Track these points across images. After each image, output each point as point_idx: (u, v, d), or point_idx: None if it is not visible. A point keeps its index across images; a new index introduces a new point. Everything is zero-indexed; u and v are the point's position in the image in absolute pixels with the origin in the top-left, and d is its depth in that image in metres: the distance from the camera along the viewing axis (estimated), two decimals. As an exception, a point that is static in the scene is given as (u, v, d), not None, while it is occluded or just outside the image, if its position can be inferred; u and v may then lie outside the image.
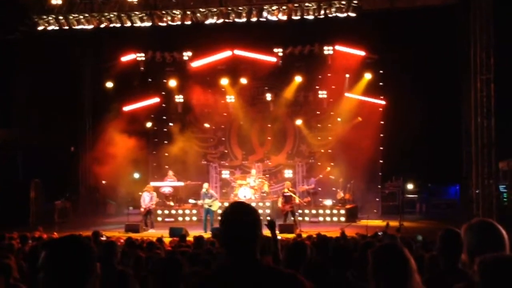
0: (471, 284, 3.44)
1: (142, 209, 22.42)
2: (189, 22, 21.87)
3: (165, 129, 28.47)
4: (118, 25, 22.09)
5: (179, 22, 21.86)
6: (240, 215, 3.33)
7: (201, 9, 21.58)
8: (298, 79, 26.70)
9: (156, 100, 27.97)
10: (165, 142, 28.18)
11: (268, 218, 8.26)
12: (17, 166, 27.06)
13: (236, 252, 3.26)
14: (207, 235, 17.65)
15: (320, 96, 26.75)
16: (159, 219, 24.33)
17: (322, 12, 20.99)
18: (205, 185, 22.63)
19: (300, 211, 23.01)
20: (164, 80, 27.97)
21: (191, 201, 23.11)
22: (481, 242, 3.46)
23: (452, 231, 5.01)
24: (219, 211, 23.71)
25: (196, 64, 26.27)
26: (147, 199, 22.25)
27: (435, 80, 24.10)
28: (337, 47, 25.11)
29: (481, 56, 20.81)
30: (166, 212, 24.95)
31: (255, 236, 3.29)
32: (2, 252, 7.91)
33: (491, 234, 3.52)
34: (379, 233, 14.61)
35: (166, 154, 27.84)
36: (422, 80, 24.15)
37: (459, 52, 23.28)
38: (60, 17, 21.92)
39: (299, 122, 27.46)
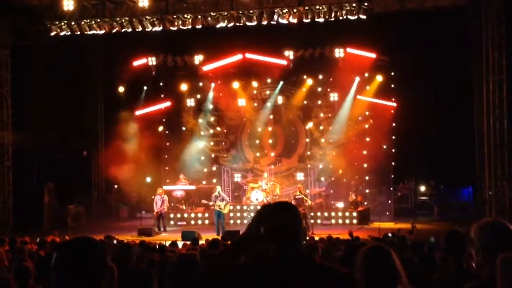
0: (482, 283, 3.47)
1: (154, 213, 22.52)
2: (200, 26, 21.91)
3: (177, 133, 28.56)
4: (130, 29, 22.18)
5: (190, 26, 21.92)
6: (287, 209, 3.40)
7: (212, 13, 21.64)
8: (309, 82, 26.72)
9: (167, 104, 28.07)
10: (177, 145, 28.26)
11: None
12: (31, 170, 27.22)
13: (286, 245, 3.27)
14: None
15: (331, 98, 26.74)
16: (172, 222, 24.39)
17: (333, 14, 20.97)
18: (218, 188, 22.68)
19: (312, 213, 22.99)
20: (176, 84, 28.08)
21: (204, 201, 23.16)
22: (496, 241, 3.47)
23: (457, 232, 5.07)
24: (231, 214, 23.83)
25: (207, 67, 26.32)
26: (159, 202, 22.33)
27: (447, 81, 24.01)
28: (348, 50, 25.07)
29: (493, 57, 20.74)
30: (179, 215, 25.00)
31: (301, 230, 3.35)
32: (19, 255, 7.98)
33: (506, 234, 3.54)
34: (389, 235, 14.59)
35: (178, 157, 27.93)
36: (434, 81, 24.08)
37: (470, 53, 23.19)
38: (72, 23, 22.06)
39: (310, 125, 27.46)
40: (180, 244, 14.24)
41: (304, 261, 3.26)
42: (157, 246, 11.33)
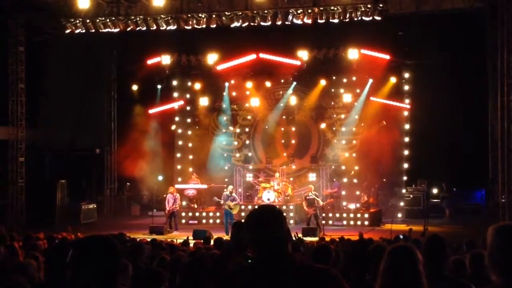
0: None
1: (166, 211, 22.58)
2: (214, 26, 21.93)
3: (190, 132, 28.61)
4: (144, 28, 22.23)
5: (204, 26, 21.94)
6: (264, 216, 3.40)
7: (226, 13, 21.64)
8: (322, 82, 26.66)
9: (180, 103, 28.12)
10: (189, 145, 28.32)
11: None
12: (44, 167, 27.39)
13: (267, 252, 3.31)
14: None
15: (344, 99, 26.67)
16: (183, 221, 24.44)
17: (347, 15, 20.91)
18: (230, 187, 22.73)
19: (323, 214, 22.96)
20: (189, 83, 28.13)
21: (216, 199, 23.19)
22: (505, 246, 3.43)
23: (437, 237, 5.14)
24: (242, 214, 23.79)
25: (221, 67, 26.30)
26: (171, 201, 22.37)
27: (461, 84, 23.90)
28: (362, 51, 24.95)
29: (508, 60, 20.61)
30: (190, 214, 25.05)
31: (283, 234, 3.35)
32: (29, 251, 8.01)
33: None
34: (401, 236, 14.54)
35: (191, 156, 27.99)
36: (448, 83, 23.97)
37: (486, 56, 23.06)
38: (87, 21, 22.16)
39: (323, 125, 27.41)
40: (192, 243, 14.27)
41: (286, 262, 3.28)
42: (168, 245, 11.32)
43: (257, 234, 3.34)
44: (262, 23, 21.59)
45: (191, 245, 13.55)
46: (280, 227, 3.37)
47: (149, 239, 14.00)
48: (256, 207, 3.72)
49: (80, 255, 2.99)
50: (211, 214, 24.98)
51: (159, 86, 27.99)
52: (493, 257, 3.43)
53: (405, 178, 26.57)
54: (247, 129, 28.67)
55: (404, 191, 26.43)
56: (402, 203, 26.21)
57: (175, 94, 28.47)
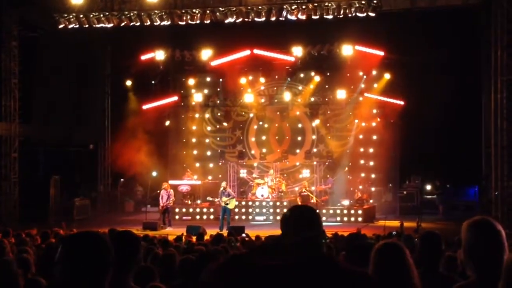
0: (468, 283, 3.45)
1: (160, 207, 22.55)
2: (208, 21, 21.88)
3: (184, 128, 28.59)
4: (138, 23, 22.17)
5: (198, 21, 21.90)
6: (307, 214, 3.43)
7: (220, 8, 21.60)
8: (316, 78, 26.65)
9: (175, 98, 28.09)
10: (184, 140, 28.30)
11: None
12: (37, 163, 27.32)
13: (308, 250, 3.27)
14: (224, 233, 17.65)
15: (338, 96, 26.66)
16: (177, 217, 24.41)
17: (342, 11, 20.90)
18: (223, 184, 22.74)
19: (317, 211, 22.95)
20: (183, 79, 28.10)
21: (209, 199, 23.18)
22: (479, 240, 3.43)
23: (433, 234, 5.14)
24: (236, 210, 23.84)
25: (215, 63, 26.27)
26: (164, 197, 22.34)
27: (455, 80, 23.92)
28: (357, 47, 24.95)
29: (501, 57, 20.63)
30: (184, 210, 25.03)
31: (322, 234, 3.37)
32: (21, 247, 8.00)
33: (490, 233, 3.47)
34: (394, 233, 14.57)
35: (184, 152, 27.99)
36: (442, 80, 23.99)
37: (480, 52, 23.10)
38: (81, 16, 22.07)
39: (317, 121, 27.42)
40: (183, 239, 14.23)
41: (326, 264, 3.25)
42: (159, 241, 11.31)
43: (296, 233, 3.30)
44: (256, 19, 21.55)
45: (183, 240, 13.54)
46: (320, 228, 3.38)
47: (141, 235, 13.98)
48: (293, 206, 3.70)
49: (69, 251, 2.98)
50: (205, 210, 24.96)
51: (153, 82, 27.93)
52: (468, 252, 3.44)
53: (398, 174, 26.61)
54: (241, 125, 28.67)
55: (398, 187, 26.47)
56: (395, 200, 26.25)
57: (169, 90, 28.41)
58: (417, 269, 3.89)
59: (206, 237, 14.52)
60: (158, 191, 23.28)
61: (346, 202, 24.93)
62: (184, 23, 22.01)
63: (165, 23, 22.06)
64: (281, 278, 3.17)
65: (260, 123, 28.19)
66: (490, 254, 3.36)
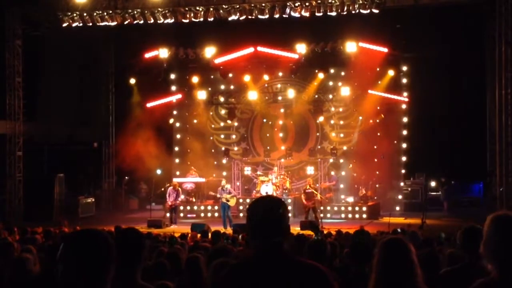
0: (490, 279, 3.42)
1: (167, 205, 22.54)
2: (212, 19, 21.88)
3: (188, 125, 28.58)
4: (142, 21, 22.18)
5: (202, 19, 21.89)
6: (267, 208, 3.36)
7: (224, 6, 21.61)
8: (320, 76, 26.58)
9: (178, 96, 28.06)
10: (188, 138, 28.29)
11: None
12: (42, 161, 27.38)
13: (263, 245, 3.30)
14: (228, 231, 17.65)
15: (342, 93, 26.60)
16: (181, 215, 24.42)
17: (345, 8, 20.87)
18: (223, 182, 22.78)
19: (321, 207, 22.96)
20: (187, 77, 28.05)
21: (211, 193, 23.23)
22: (499, 235, 3.40)
23: (474, 228, 5.07)
24: (241, 207, 23.82)
25: (219, 60, 26.21)
26: (172, 195, 22.34)
27: (460, 77, 23.89)
28: (360, 44, 24.86)
29: (506, 53, 20.58)
30: (188, 208, 25.04)
31: (282, 229, 3.33)
32: (25, 246, 8.00)
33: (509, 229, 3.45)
34: (398, 230, 14.54)
35: (189, 150, 27.97)
36: (446, 76, 23.97)
37: (484, 48, 23.04)
38: (84, 14, 22.11)
39: (321, 119, 27.37)
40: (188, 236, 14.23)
41: (281, 258, 3.27)
42: (162, 239, 11.33)
43: (263, 224, 3.31)
44: (259, 16, 21.56)
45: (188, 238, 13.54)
46: (286, 220, 3.38)
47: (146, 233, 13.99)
48: (259, 196, 3.72)
49: (71, 249, 2.98)
50: (209, 207, 24.97)
51: (157, 80, 27.90)
52: (489, 247, 3.42)
53: (403, 171, 26.57)
54: (245, 123, 28.65)
55: (402, 184, 26.43)
56: (400, 196, 26.22)
57: (173, 88, 28.39)
58: (457, 264, 3.84)
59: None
60: (163, 189, 23.27)
61: (350, 199, 24.90)
62: (187, 21, 22.03)
63: (169, 21, 22.09)
64: (243, 274, 3.28)
65: (264, 120, 28.18)
66: None
